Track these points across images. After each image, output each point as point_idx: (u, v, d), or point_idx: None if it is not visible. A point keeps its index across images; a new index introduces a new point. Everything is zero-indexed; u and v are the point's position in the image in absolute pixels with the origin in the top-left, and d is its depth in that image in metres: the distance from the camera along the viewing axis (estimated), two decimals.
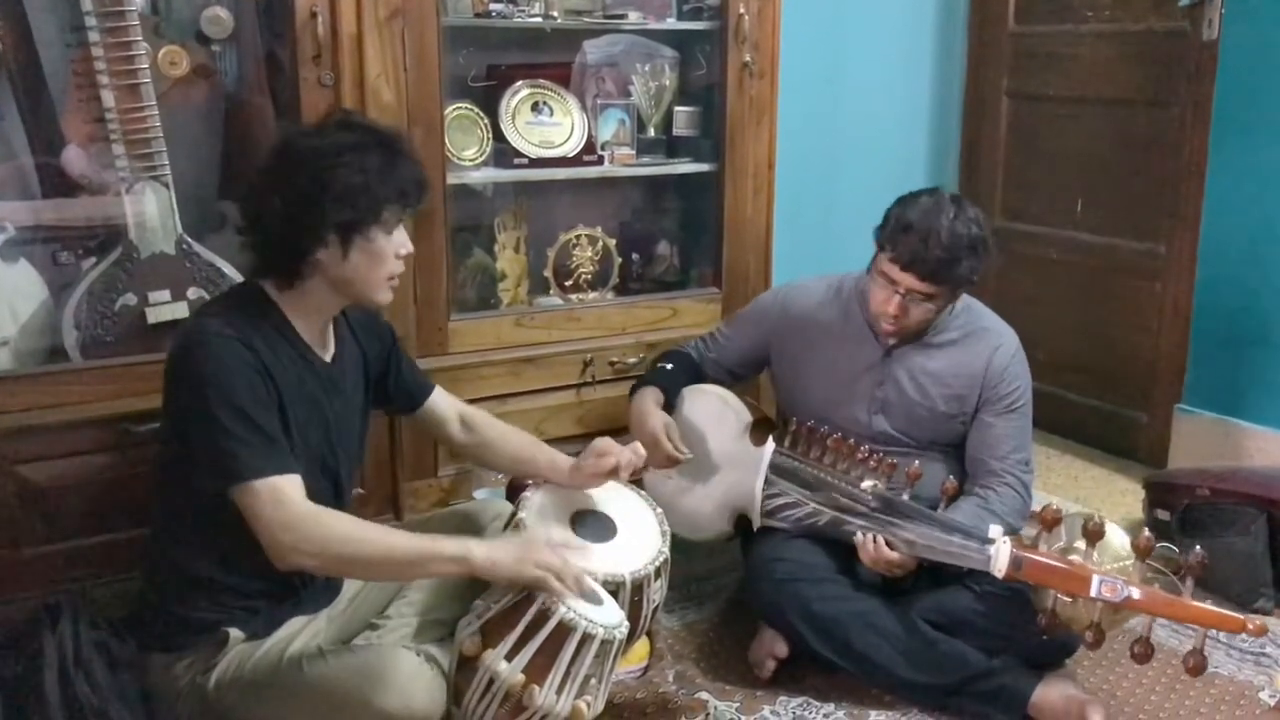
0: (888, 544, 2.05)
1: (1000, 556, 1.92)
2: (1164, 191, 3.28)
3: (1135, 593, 1.81)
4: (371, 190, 1.77)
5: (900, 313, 2.21)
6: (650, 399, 2.41)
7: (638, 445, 2.12)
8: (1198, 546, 1.81)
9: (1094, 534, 1.86)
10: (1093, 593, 1.83)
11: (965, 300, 2.39)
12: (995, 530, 1.97)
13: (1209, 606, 1.79)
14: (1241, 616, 1.77)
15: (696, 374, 2.52)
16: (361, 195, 1.76)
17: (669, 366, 2.50)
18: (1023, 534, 2.08)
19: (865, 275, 2.35)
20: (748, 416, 2.40)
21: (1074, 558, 1.87)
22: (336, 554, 1.74)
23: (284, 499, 1.71)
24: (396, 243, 1.85)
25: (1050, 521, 1.91)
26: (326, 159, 1.75)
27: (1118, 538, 1.93)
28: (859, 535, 2.07)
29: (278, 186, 1.76)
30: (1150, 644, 1.82)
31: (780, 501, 2.22)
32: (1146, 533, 1.84)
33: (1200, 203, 3.16)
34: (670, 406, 2.44)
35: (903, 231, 2.16)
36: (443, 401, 2.18)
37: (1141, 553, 1.83)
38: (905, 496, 2.09)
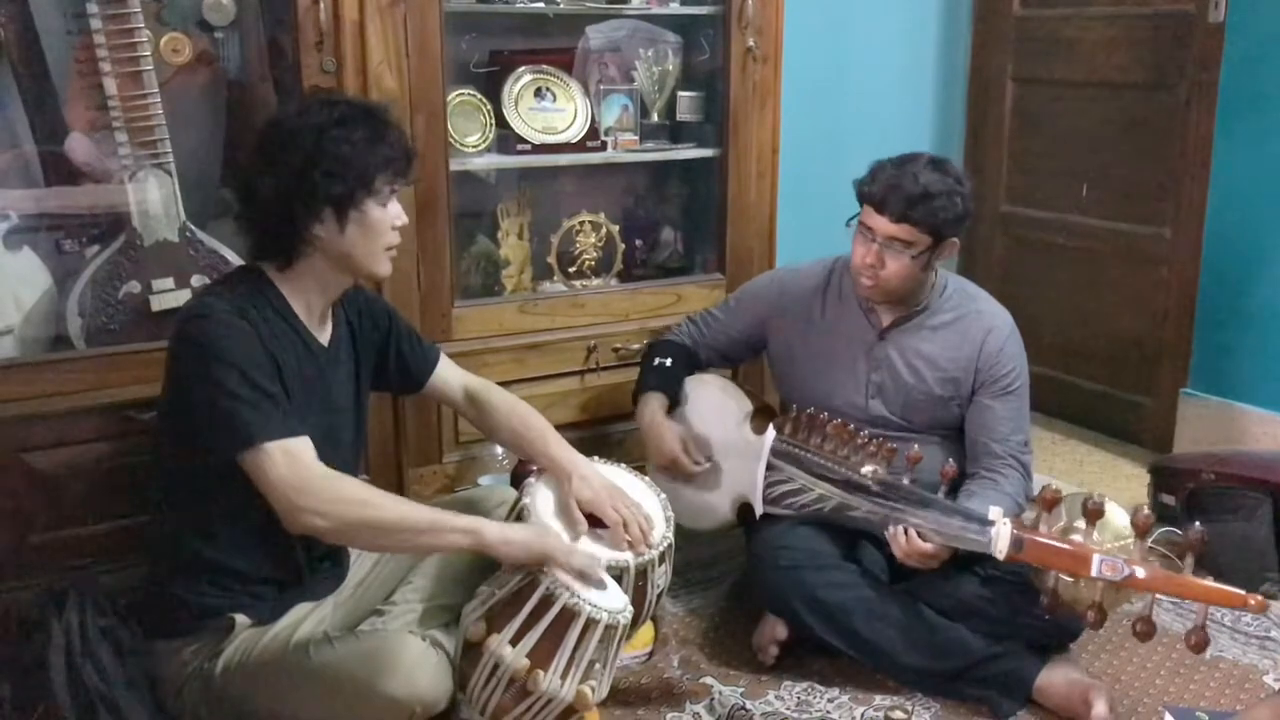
0: (920, 535, 2.03)
1: (1001, 538, 1.92)
2: (1169, 176, 3.27)
3: (1136, 571, 1.80)
4: (360, 160, 1.78)
5: (877, 262, 2.20)
6: (659, 409, 2.43)
7: (637, 521, 2.05)
8: (1197, 523, 1.80)
9: (1094, 513, 1.86)
10: (1094, 572, 1.83)
11: (957, 281, 2.39)
12: (995, 512, 1.97)
13: (1210, 582, 1.78)
14: (1243, 592, 1.76)
15: (693, 362, 2.53)
16: (351, 166, 1.78)
17: (668, 363, 2.49)
18: (1023, 516, 2.08)
19: None
20: (748, 405, 2.41)
21: (1075, 537, 1.87)
22: (348, 515, 1.74)
23: (297, 459, 1.72)
24: (391, 214, 1.86)
25: (1050, 502, 1.91)
26: (314, 134, 1.77)
27: (1119, 516, 1.93)
28: (890, 528, 2.06)
29: (269, 166, 1.78)
30: (1152, 622, 1.82)
31: (786, 488, 2.22)
32: (1145, 510, 1.83)
33: (1205, 187, 3.15)
34: (675, 405, 2.46)
35: (879, 174, 2.20)
36: (446, 379, 2.18)
37: (1140, 530, 1.82)
38: (906, 480, 2.08)
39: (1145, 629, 1.82)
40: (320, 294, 1.90)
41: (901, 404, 2.33)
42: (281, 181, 1.77)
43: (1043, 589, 1.93)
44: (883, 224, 2.18)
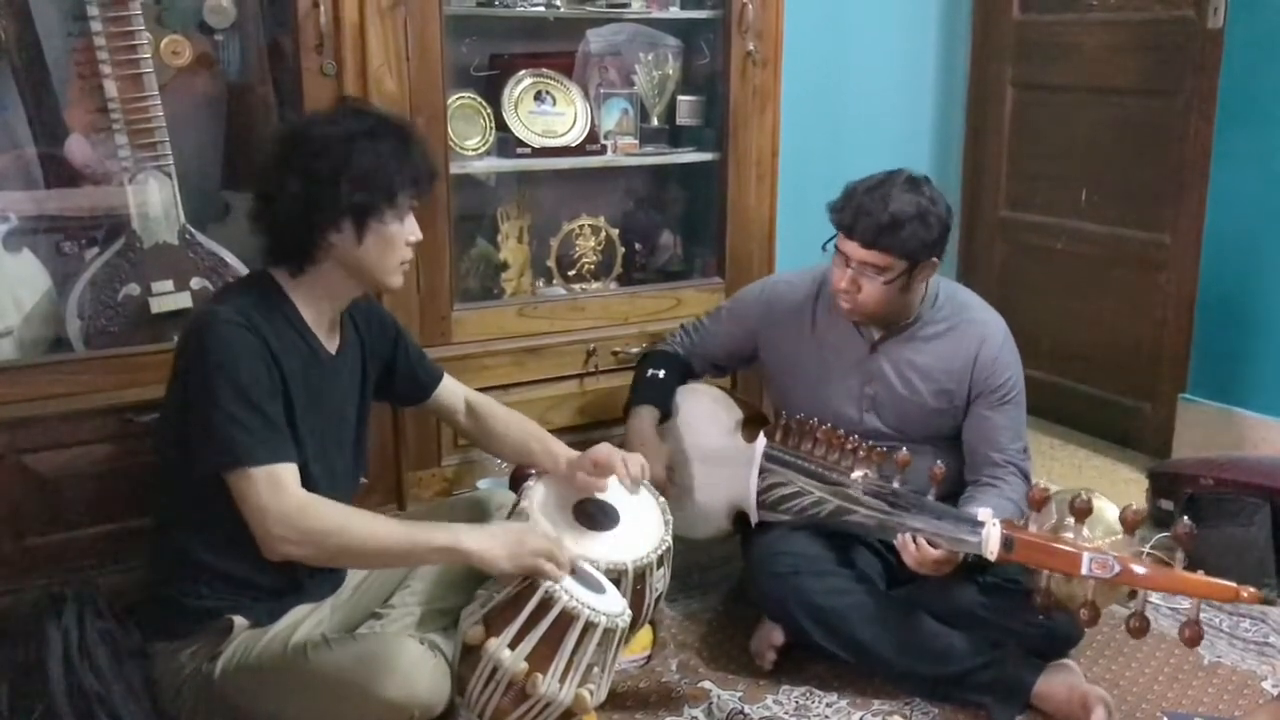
0: (930, 543, 2.01)
1: (991, 539, 1.92)
2: (1168, 181, 3.27)
3: (1126, 567, 1.81)
4: (387, 174, 1.79)
5: (851, 287, 2.19)
6: (649, 424, 2.43)
7: (638, 458, 2.12)
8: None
9: (1081, 511, 1.86)
10: (1084, 570, 1.83)
11: (949, 288, 2.37)
12: (984, 513, 1.97)
13: (1201, 576, 1.78)
14: (1234, 584, 1.76)
15: (685, 372, 2.53)
16: (377, 179, 1.79)
17: (660, 375, 2.49)
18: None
19: None
20: (739, 414, 2.41)
21: (1067, 535, 1.87)
22: (325, 545, 1.75)
23: (279, 488, 1.72)
24: (407, 229, 1.88)
25: (1039, 501, 1.91)
26: (344, 143, 1.78)
27: (1110, 511, 1.93)
28: (899, 537, 2.05)
29: (294, 171, 1.78)
30: (1145, 618, 1.82)
31: (782, 493, 2.21)
32: (1134, 506, 1.83)
33: (1205, 192, 3.16)
34: (666, 417, 2.46)
35: (849, 199, 2.18)
36: (450, 391, 2.19)
37: (1130, 527, 1.83)
38: (896, 484, 2.08)
39: (1139, 624, 1.82)
40: (330, 301, 1.90)
41: (896, 417, 2.32)
42: (306, 187, 1.77)
43: (1035, 588, 1.94)
44: (854, 249, 2.17)
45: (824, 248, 2.26)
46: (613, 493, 2.11)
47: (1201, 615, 1.79)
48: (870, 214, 2.13)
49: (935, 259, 2.21)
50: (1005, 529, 1.92)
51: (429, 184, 1.89)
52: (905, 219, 2.13)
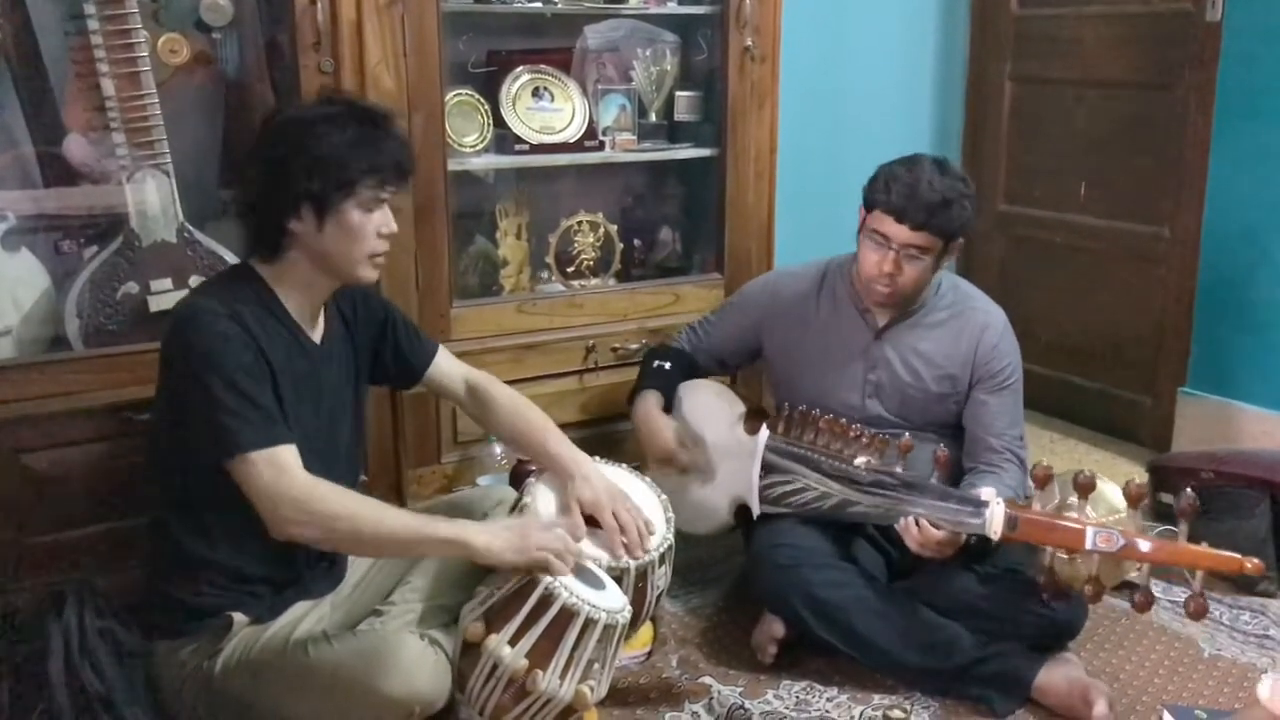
0: (932, 524, 2.02)
1: (995, 518, 1.93)
2: (1167, 174, 3.27)
3: (1131, 541, 1.81)
4: (341, 162, 1.76)
5: (895, 269, 2.20)
6: (654, 406, 2.43)
7: (634, 518, 2.03)
8: (1188, 489, 1.81)
9: (1085, 487, 1.87)
10: (1088, 545, 1.83)
11: (951, 279, 2.40)
12: (988, 493, 1.97)
13: (1205, 548, 1.78)
14: (1239, 555, 1.76)
15: (690, 367, 2.54)
16: (330, 167, 1.76)
17: (665, 365, 2.50)
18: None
19: (851, 256, 2.34)
20: (740, 407, 2.42)
21: (1069, 513, 1.88)
22: (332, 528, 1.75)
23: (282, 469, 1.73)
24: (376, 221, 1.84)
25: (1042, 479, 1.91)
26: (301, 128, 1.77)
27: (1110, 490, 1.93)
28: (901, 521, 2.05)
29: (258, 155, 1.79)
30: (1150, 593, 1.83)
31: (785, 489, 2.22)
32: (1137, 480, 1.84)
33: (1204, 185, 3.15)
34: (669, 407, 2.47)
35: (893, 182, 2.18)
36: (445, 372, 2.16)
37: (1133, 501, 1.83)
38: (898, 470, 2.09)
39: (1144, 599, 1.83)
40: (307, 291, 1.88)
41: (899, 402, 2.34)
42: (264, 171, 1.77)
43: (1039, 568, 1.94)
44: (902, 232, 2.17)
45: (859, 235, 2.28)
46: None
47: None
48: (920, 196, 2.15)
49: (963, 238, 2.25)
50: (1008, 508, 1.92)
51: (396, 175, 1.84)
52: (954, 198, 2.16)
